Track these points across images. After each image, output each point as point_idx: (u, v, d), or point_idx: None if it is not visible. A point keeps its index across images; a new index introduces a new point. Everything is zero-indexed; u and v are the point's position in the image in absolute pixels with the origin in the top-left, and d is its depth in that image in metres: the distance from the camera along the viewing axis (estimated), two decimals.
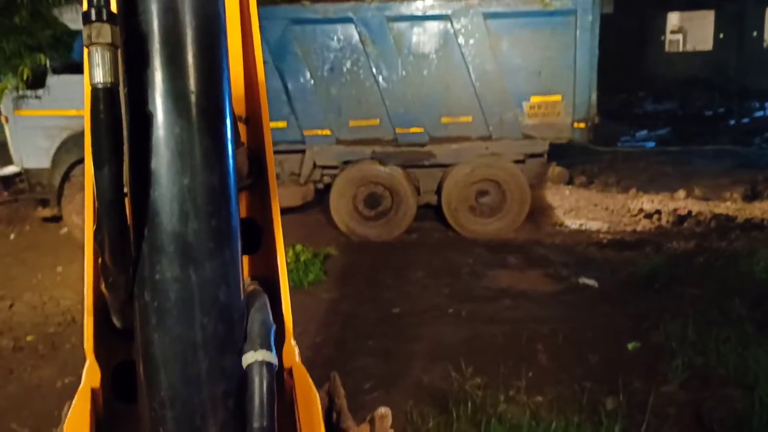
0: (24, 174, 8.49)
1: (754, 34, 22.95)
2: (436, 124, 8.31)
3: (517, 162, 8.46)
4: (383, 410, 1.82)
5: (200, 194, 1.08)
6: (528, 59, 8.12)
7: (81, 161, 7.81)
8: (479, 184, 8.52)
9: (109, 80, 0.98)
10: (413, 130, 8.31)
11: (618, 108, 18.88)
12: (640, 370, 4.68)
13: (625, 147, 14.60)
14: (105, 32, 0.98)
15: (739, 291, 5.89)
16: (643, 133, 16.59)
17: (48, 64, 7.51)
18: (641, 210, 9.60)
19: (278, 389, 1.18)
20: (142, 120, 1.06)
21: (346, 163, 8.48)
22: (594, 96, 8.18)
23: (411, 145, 8.36)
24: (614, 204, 9.99)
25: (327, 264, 7.33)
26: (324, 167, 8.61)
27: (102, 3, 0.98)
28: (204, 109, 1.08)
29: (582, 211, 9.74)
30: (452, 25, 8.01)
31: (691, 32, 25.19)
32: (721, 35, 23.72)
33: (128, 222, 1.06)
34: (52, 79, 7.80)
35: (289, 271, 6.70)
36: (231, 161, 1.14)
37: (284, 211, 7.33)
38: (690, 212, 9.20)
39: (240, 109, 1.54)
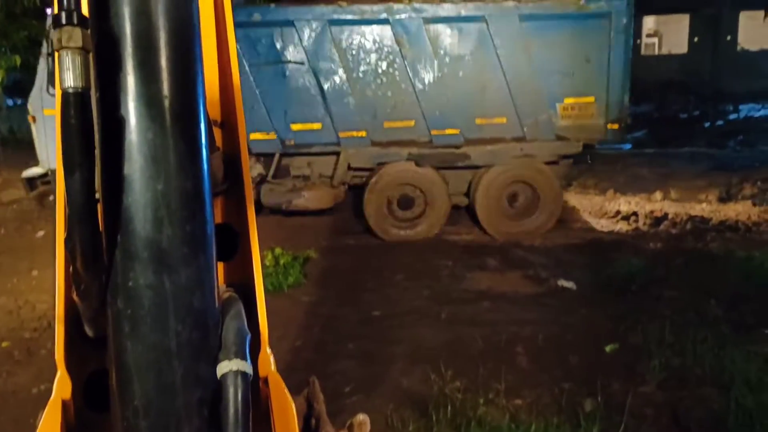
0: (50, 175, 8.33)
1: (728, 37, 23.24)
2: (471, 125, 8.28)
3: (548, 163, 8.48)
4: (362, 417, 1.81)
5: (174, 200, 1.06)
6: (562, 61, 8.13)
7: None
8: (512, 186, 8.52)
9: (80, 84, 0.95)
10: (448, 131, 8.27)
11: None
12: (619, 372, 4.72)
13: (603, 149, 14.70)
14: (76, 36, 0.96)
15: (715, 292, 5.98)
16: None
17: None
18: (618, 212, 9.69)
19: (253, 398, 1.17)
20: (115, 125, 1.04)
21: (380, 164, 8.42)
22: (626, 98, 8.23)
23: (446, 146, 8.32)
24: (592, 206, 10.09)
25: (307, 267, 7.31)
26: (357, 169, 8.55)
27: (73, 6, 0.96)
28: (177, 114, 1.06)
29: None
30: (488, 26, 7.99)
31: (666, 36, 25.42)
32: (696, 39, 23.99)
33: (100, 228, 1.04)
34: None
35: (269, 275, 6.66)
36: (205, 166, 1.12)
37: (314, 213, 7.18)
38: (666, 214, 9.30)
39: (215, 113, 1.52)
